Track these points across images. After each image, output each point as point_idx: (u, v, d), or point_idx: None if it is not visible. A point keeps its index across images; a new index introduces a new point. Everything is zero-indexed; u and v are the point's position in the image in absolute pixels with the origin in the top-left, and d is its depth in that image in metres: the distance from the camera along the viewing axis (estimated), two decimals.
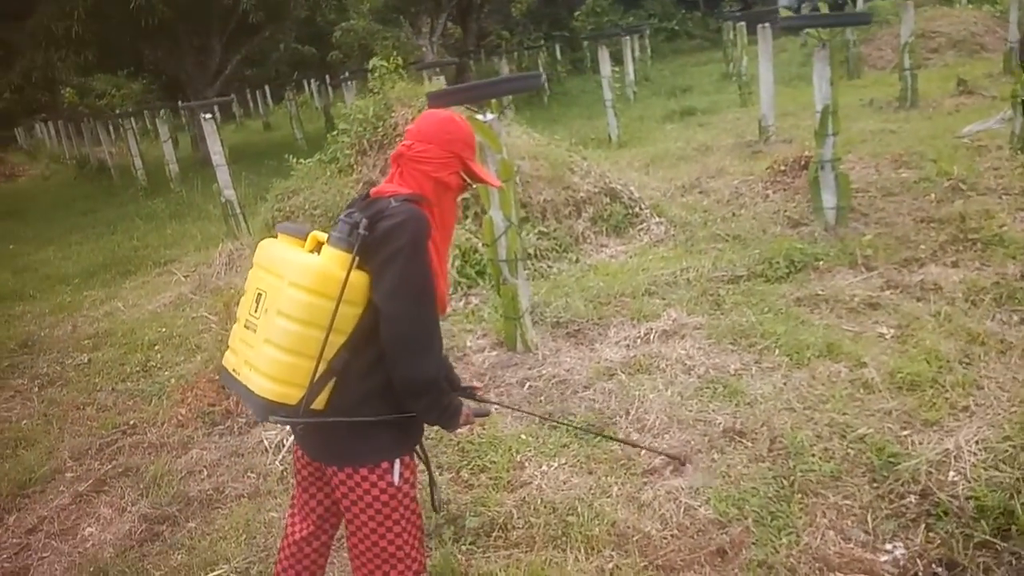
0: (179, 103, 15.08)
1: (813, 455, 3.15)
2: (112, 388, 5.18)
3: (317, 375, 1.84)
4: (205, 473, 3.83)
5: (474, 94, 4.12)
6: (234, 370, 1.94)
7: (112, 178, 17.55)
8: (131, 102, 28.55)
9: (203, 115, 8.14)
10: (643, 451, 3.38)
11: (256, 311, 1.88)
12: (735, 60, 15.13)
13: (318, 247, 1.92)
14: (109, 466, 4.04)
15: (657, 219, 6.84)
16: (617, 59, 15.18)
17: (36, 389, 5.36)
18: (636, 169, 9.11)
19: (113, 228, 11.51)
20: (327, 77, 23.69)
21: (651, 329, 4.60)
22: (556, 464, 3.43)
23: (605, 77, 11.75)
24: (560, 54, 25.04)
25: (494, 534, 3.02)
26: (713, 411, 3.62)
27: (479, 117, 4.15)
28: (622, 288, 5.31)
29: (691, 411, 3.66)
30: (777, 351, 4.08)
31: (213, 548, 3.16)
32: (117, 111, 20.68)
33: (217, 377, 4.68)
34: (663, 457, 3.30)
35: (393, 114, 6.90)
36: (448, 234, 2.09)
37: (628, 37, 16.18)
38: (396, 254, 1.83)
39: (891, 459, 3.03)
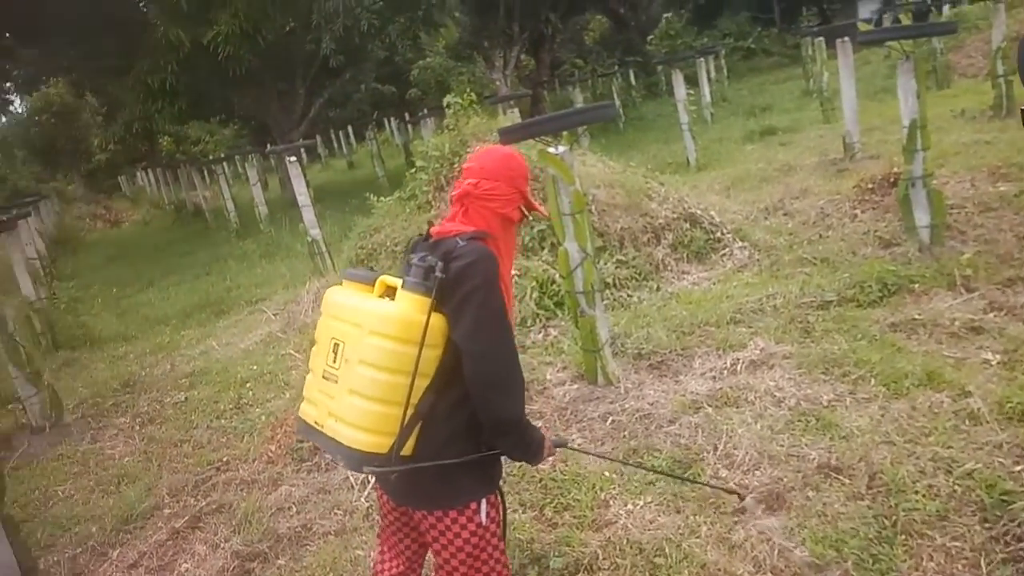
0: (267, 147, 15.74)
1: (916, 492, 2.97)
2: (207, 425, 5.36)
3: (405, 421, 1.84)
4: (294, 510, 3.90)
5: (545, 128, 4.13)
6: (316, 423, 1.94)
7: (207, 221, 18.41)
8: (223, 148, 29.97)
9: (288, 158, 8.45)
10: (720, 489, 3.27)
11: (335, 361, 1.88)
12: (815, 76, 14.75)
13: (388, 292, 1.93)
14: (204, 503, 4.17)
15: (740, 244, 6.67)
16: (692, 81, 15.05)
17: (137, 427, 5.61)
18: (716, 192, 8.95)
19: (208, 269, 12.03)
20: (406, 115, 24.34)
21: (738, 359, 4.46)
22: (642, 502, 3.34)
23: (680, 100, 11.64)
24: (634, 79, 24.98)
25: (579, 575, 2.96)
26: (806, 445, 3.47)
27: (550, 150, 4.15)
28: (706, 317, 5.18)
29: (783, 446, 3.52)
30: (872, 380, 3.89)
31: None
32: (210, 157, 21.75)
33: None
34: (724, 491, 3.18)
35: (468, 149, 6.99)
36: (510, 264, 2.09)
37: (703, 59, 16.02)
38: (472, 294, 1.83)
39: (1004, 497, 2.83)
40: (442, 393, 1.90)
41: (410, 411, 1.84)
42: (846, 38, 9.31)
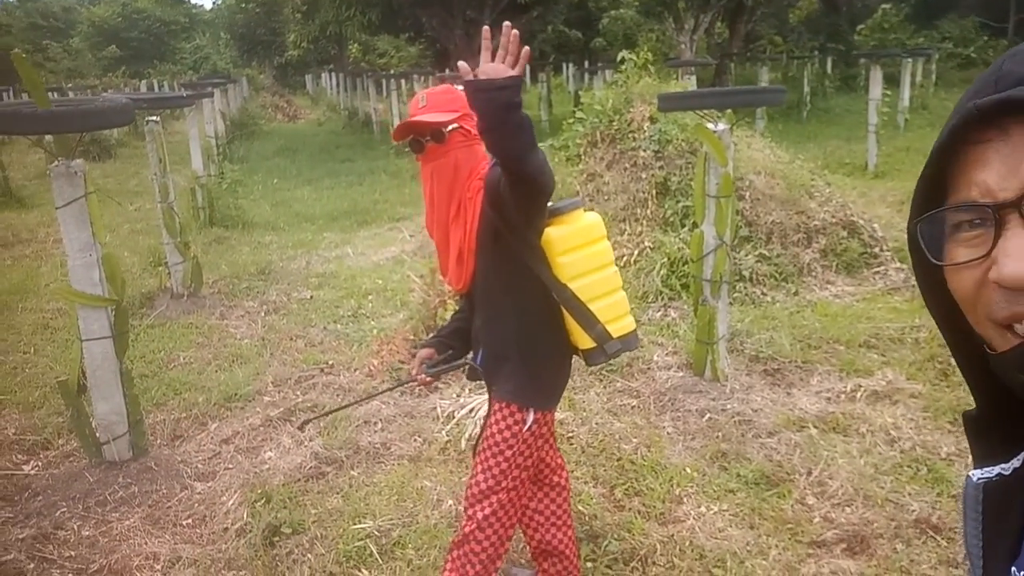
0: (445, 71, 15.97)
1: None
2: (324, 327, 5.60)
3: None
4: (379, 426, 4.02)
5: (706, 102, 3.90)
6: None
7: (373, 132, 19.04)
8: (407, 64, 30.76)
9: (457, 86, 8.50)
10: (815, 519, 3.06)
11: None
12: None
13: None
14: (302, 398, 4.38)
15: (897, 265, 6.16)
16: (894, 81, 13.89)
17: (262, 314, 5.94)
18: (887, 205, 8.29)
19: (362, 179, 12.48)
20: (586, 63, 23.97)
21: (860, 386, 4.15)
22: (716, 508, 3.20)
23: (873, 99, 10.77)
24: (831, 68, 23.37)
25: (632, 564, 2.88)
26: (909, 495, 3.19)
27: (709, 125, 3.93)
28: (838, 333, 4.85)
29: (883, 488, 3.25)
30: None
31: (366, 501, 3.31)
32: (392, 71, 22.36)
33: (412, 336, 4.92)
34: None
35: (632, 109, 6.78)
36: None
37: (911, 59, 14.71)
38: None
39: None
40: None
41: None
42: None
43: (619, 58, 7.32)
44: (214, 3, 38.90)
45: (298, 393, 4.46)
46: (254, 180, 12.16)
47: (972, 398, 0.72)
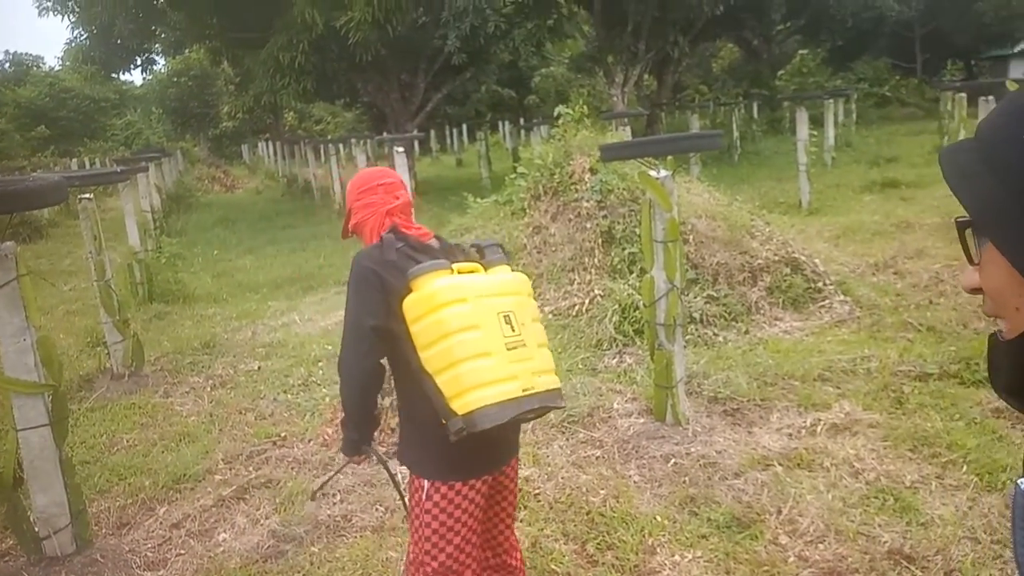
0: (383, 134, 16.08)
1: None
2: (274, 398, 5.43)
3: None
4: (338, 498, 3.87)
5: (648, 150, 3.96)
6: (525, 390, 1.99)
7: (313, 198, 18.97)
8: (343, 130, 30.88)
9: (396, 148, 8.55)
10: (790, 559, 3.03)
11: (513, 330, 2.04)
12: (950, 133, 13.91)
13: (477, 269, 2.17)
14: (254, 474, 4.20)
15: (842, 297, 6.30)
16: (818, 122, 14.47)
17: (208, 389, 5.74)
18: (824, 240, 8.53)
19: (305, 245, 12.35)
20: (521, 120, 24.46)
21: (819, 420, 4.18)
22: (691, 556, 3.14)
23: (801, 140, 11.20)
24: (757, 112, 24.30)
25: None
26: (879, 526, 3.19)
27: (652, 173, 3.99)
28: (792, 369, 4.90)
29: (853, 521, 3.24)
30: (965, 467, 3.55)
31: None
32: (329, 137, 22.42)
33: None
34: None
35: (572, 161, 6.88)
36: None
37: (832, 100, 15.37)
38: None
39: None
40: None
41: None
42: (991, 97, 8.72)
43: (555, 113, 7.46)
44: (144, 79, 38.62)
45: (251, 469, 4.28)
46: (194, 252, 11.93)
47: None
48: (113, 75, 24.79)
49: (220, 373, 6.04)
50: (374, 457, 2.34)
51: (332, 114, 36.42)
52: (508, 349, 1.98)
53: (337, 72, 17.57)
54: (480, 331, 1.97)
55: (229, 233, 14.61)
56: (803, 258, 6.64)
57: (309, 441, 4.56)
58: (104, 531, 3.74)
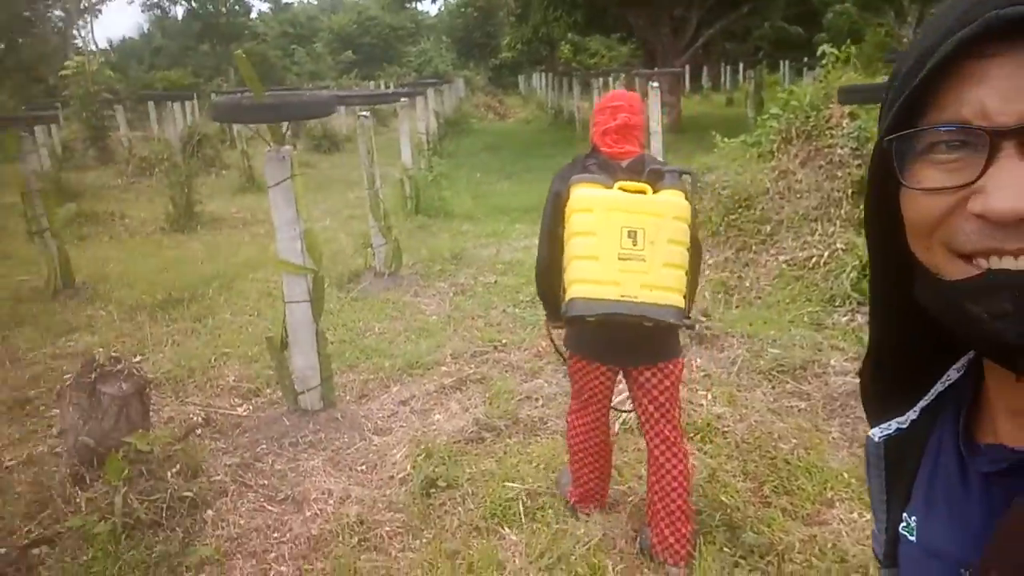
0: (652, 69, 15.97)
1: None
2: (503, 309, 5.92)
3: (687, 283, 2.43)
4: (540, 403, 4.23)
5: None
6: (622, 296, 2.33)
7: (575, 130, 19.42)
8: (617, 63, 30.92)
9: (651, 83, 8.54)
10: None
11: (636, 245, 2.31)
12: None
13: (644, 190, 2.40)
14: (473, 371, 4.69)
15: None
16: None
17: (451, 294, 6.38)
18: None
19: None
20: (805, 59, 22.86)
21: None
22: (868, 518, 3.07)
23: None
24: None
25: (768, 558, 2.86)
26: None
27: None
28: None
29: None
30: None
31: (517, 468, 3.52)
32: (598, 71, 22.69)
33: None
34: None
35: (831, 104, 6.48)
36: None
37: None
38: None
39: None
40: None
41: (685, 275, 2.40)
42: None
43: (818, 52, 7.00)
44: (439, 9, 41.31)
45: (471, 366, 4.78)
46: (459, 173, 12.89)
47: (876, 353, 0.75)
48: (407, 4, 26.77)
49: (462, 282, 6.67)
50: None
51: (608, 47, 36.43)
52: (619, 259, 2.31)
53: (608, 5, 17.60)
54: (596, 237, 2.31)
55: (493, 158, 15.53)
56: None
57: (524, 350, 4.96)
58: (348, 398, 4.44)
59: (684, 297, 2.38)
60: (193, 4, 47.86)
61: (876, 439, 0.76)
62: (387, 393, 4.51)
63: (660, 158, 8.94)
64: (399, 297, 6.32)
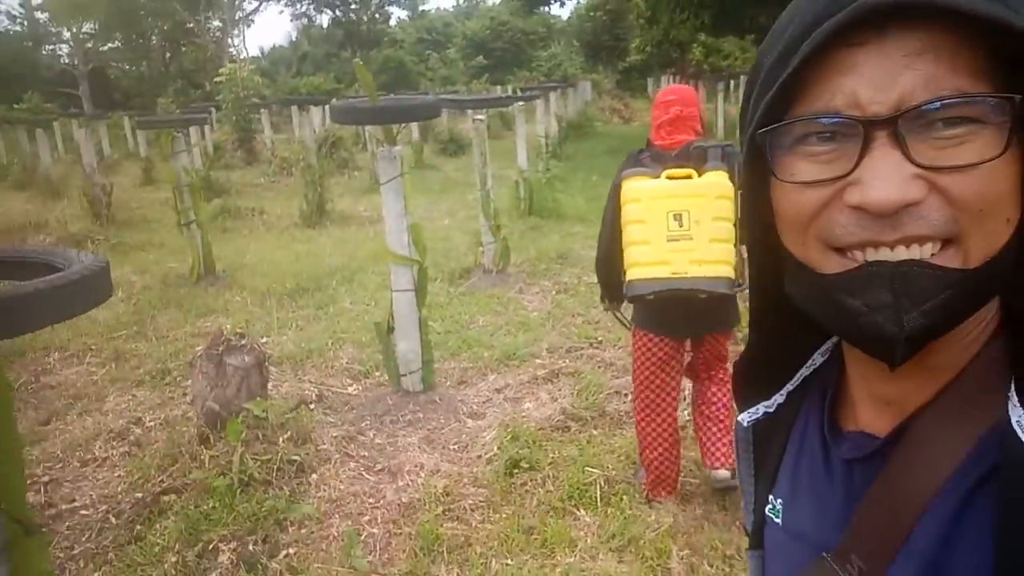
0: None
1: None
2: (604, 309, 6.04)
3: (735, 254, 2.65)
4: (628, 398, 4.36)
5: None
6: (674, 274, 2.59)
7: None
8: (750, 66, 30.12)
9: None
10: None
11: (682, 226, 2.56)
12: None
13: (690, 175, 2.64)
14: (566, 364, 4.88)
15: None
16: None
17: (553, 292, 6.58)
18: None
19: None
20: None
21: None
22: None
23: None
24: None
25: None
26: None
27: None
28: None
29: None
30: None
31: (598, 457, 3.69)
32: (725, 73, 22.26)
33: None
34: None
35: None
36: None
37: None
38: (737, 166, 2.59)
39: None
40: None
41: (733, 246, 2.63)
42: None
43: None
44: (569, 13, 41.74)
45: (565, 360, 4.97)
46: (576, 176, 13.08)
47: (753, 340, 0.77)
48: (535, 10, 27.14)
49: (566, 281, 6.86)
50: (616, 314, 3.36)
51: (742, 49, 35.59)
52: (668, 241, 2.57)
53: (737, 5, 17.28)
54: (646, 224, 2.56)
55: (612, 162, 15.54)
56: None
57: (619, 348, 5.10)
58: (448, 383, 4.73)
59: (734, 268, 2.58)
60: (337, 13, 50.55)
61: (745, 424, 0.77)
62: (484, 381, 4.78)
63: None
64: (504, 293, 6.59)
